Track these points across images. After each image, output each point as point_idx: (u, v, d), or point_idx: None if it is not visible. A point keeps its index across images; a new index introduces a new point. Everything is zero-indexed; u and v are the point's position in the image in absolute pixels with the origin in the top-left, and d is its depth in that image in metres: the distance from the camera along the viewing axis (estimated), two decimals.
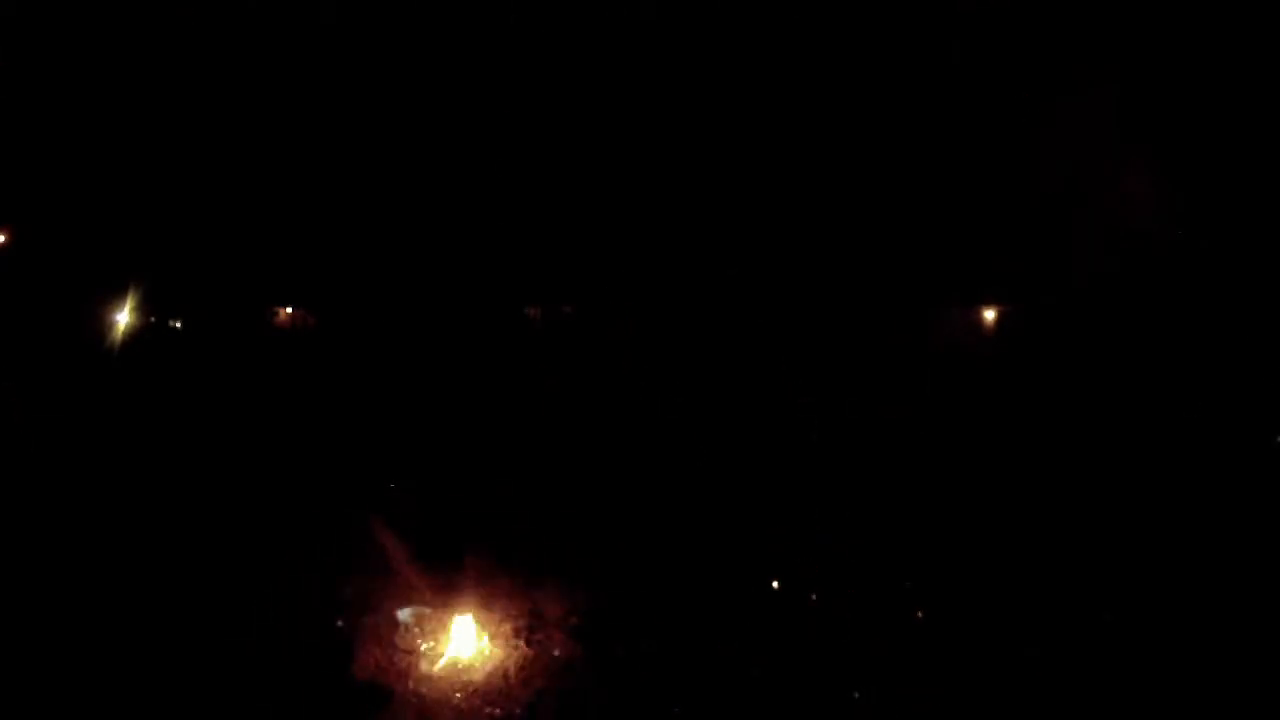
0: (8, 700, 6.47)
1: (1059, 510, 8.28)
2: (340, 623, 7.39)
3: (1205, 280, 8.63)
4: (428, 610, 7.49)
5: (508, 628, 7.42)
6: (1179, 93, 8.66)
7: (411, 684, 7.03)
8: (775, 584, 7.85)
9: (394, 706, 6.85)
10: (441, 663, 7.22)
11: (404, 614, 7.43)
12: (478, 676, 7.10)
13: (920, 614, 7.52)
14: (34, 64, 8.98)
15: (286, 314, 9.55)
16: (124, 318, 9.00)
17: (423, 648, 7.32)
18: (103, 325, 8.96)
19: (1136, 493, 8.27)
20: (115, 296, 8.99)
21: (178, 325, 9.34)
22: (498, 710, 6.80)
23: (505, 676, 7.04)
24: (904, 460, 8.81)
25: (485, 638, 7.36)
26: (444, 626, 7.41)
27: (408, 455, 8.96)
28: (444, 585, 7.58)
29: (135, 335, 9.03)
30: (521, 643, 7.31)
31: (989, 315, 9.30)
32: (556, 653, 7.26)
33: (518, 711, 6.79)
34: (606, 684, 6.98)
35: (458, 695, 6.97)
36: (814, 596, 7.75)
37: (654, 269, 9.45)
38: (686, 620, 7.45)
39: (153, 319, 9.20)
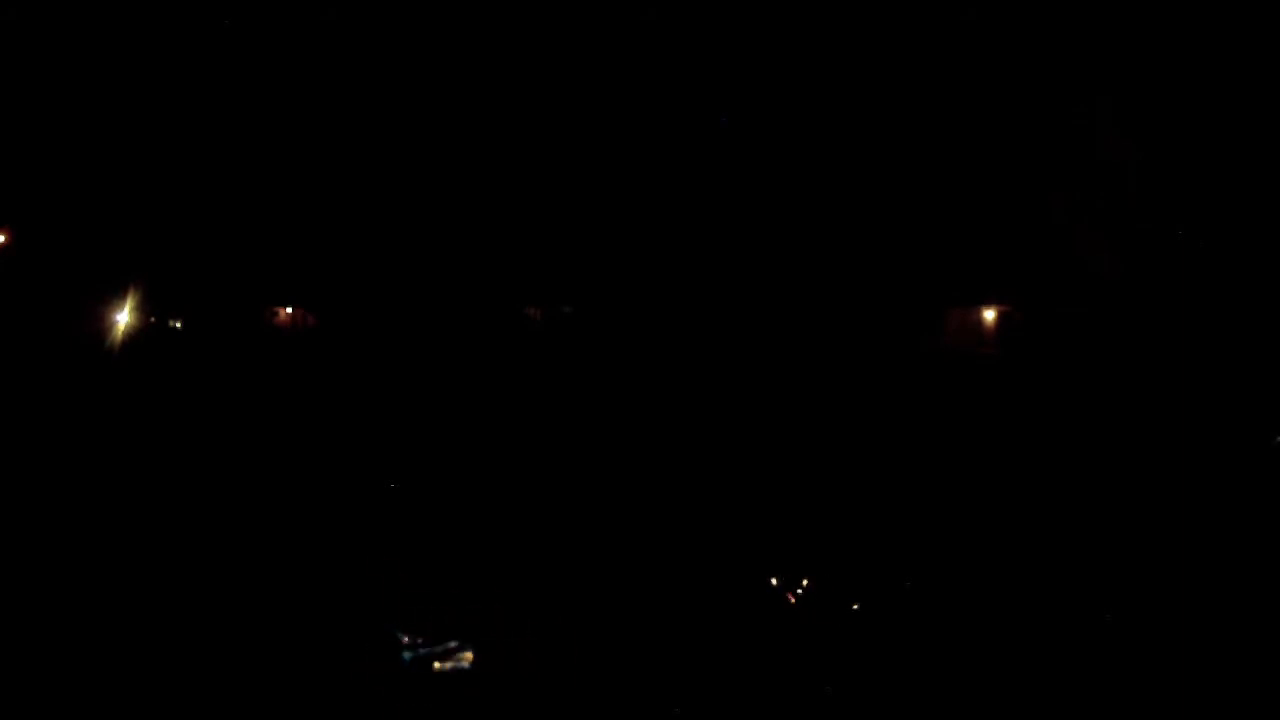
0: (8, 700, 6.47)
1: (1060, 510, 8.28)
2: (339, 623, 7.39)
3: (1205, 281, 8.63)
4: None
5: (507, 628, 7.42)
6: (1179, 93, 8.66)
7: (410, 685, 7.03)
8: (775, 584, 7.85)
9: (392, 708, 6.85)
10: (439, 664, 7.23)
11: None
12: (477, 677, 7.10)
13: (921, 614, 7.52)
14: (34, 64, 8.98)
15: (286, 314, 9.56)
16: (124, 318, 9.00)
17: (421, 649, 7.32)
18: (103, 325, 8.97)
19: (1137, 492, 8.26)
20: (115, 296, 8.99)
21: (178, 325, 9.35)
22: (498, 711, 6.80)
23: (504, 677, 7.05)
24: (904, 460, 8.81)
25: (484, 639, 7.36)
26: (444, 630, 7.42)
27: (408, 455, 8.97)
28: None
29: (135, 335, 9.03)
30: (521, 643, 7.31)
31: (989, 315, 9.30)
32: (557, 653, 7.26)
33: (518, 712, 6.79)
34: (607, 684, 6.98)
35: (458, 697, 6.98)
36: (813, 597, 7.75)
37: (654, 269, 9.46)
38: (687, 620, 7.44)
39: (153, 319, 9.21)
